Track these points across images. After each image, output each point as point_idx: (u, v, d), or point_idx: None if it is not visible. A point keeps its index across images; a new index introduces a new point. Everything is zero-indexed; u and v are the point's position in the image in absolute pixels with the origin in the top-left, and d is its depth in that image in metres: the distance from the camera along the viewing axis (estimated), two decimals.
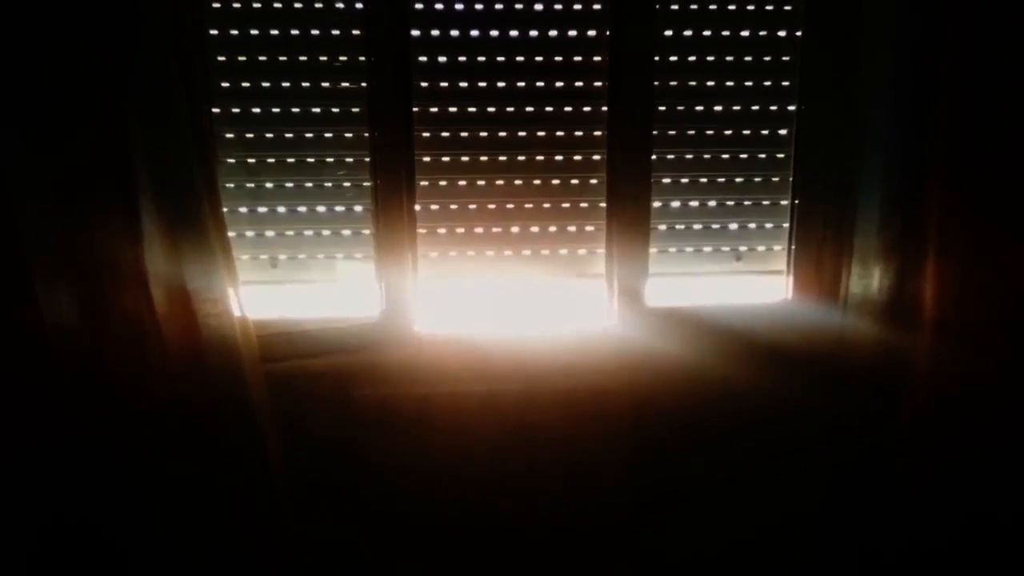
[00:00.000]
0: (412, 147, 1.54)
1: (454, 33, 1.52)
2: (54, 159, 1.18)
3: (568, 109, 1.57)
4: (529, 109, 1.56)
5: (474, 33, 1.52)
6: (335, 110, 1.52)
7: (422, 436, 1.52)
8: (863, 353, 1.52)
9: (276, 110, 1.51)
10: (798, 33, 1.57)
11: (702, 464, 1.66)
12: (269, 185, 1.54)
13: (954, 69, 1.33)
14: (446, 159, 1.57)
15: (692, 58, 1.57)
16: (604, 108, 1.57)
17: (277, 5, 1.47)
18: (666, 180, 1.61)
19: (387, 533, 1.57)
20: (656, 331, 1.63)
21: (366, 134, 1.53)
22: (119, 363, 1.25)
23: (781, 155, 1.62)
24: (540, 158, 1.58)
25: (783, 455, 1.67)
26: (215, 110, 1.48)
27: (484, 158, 1.57)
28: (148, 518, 1.32)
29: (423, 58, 1.52)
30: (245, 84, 1.49)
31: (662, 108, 1.58)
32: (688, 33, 1.56)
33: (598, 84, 1.56)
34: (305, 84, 1.50)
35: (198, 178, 1.28)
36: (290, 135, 1.52)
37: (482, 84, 1.54)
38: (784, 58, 1.58)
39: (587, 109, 1.57)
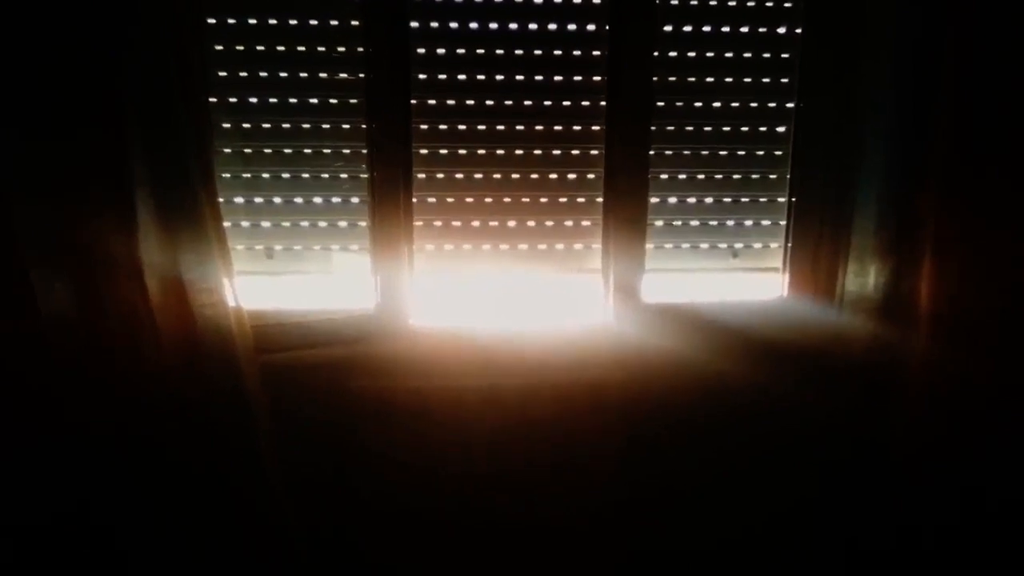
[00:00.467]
0: (410, 139, 1.54)
1: (453, 25, 1.51)
2: (49, 149, 1.17)
3: (567, 103, 1.56)
4: (527, 103, 1.56)
5: (473, 25, 1.51)
6: (333, 101, 1.51)
7: (416, 429, 1.52)
8: (858, 351, 1.53)
9: (273, 100, 1.50)
10: (798, 30, 1.57)
11: (696, 459, 1.67)
12: (265, 175, 1.54)
13: (954, 68, 1.33)
14: (443, 152, 1.56)
15: (691, 54, 1.57)
16: (603, 103, 1.57)
17: None
18: (664, 176, 1.61)
19: (381, 525, 1.57)
20: (652, 327, 1.63)
21: (363, 126, 1.52)
22: (114, 353, 1.25)
23: (779, 152, 1.62)
24: (538, 152, 1.58)
25: (777, 451, 1.67)
26: (212, 99, 1.47)
27: (482, 151, 1.57)
28: (142, 509, 1.32)
29: (422, 50, 1.51)
30: (242, 74, 1.49)
31: (661, 104, 1.57)
32: (688, 29, 1.56)
33: (597, 79, 1.56)
34: (303, 74, 1.49)
35: (194, 168, 1.27)
36: (287, 125, 1.51)
37: (480, 77, 1.54)
38: (783, 55, 1.58)
39: (586, 104, 1.57)
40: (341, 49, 1.49)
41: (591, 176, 1.60)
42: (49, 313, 1.18)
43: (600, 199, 1.61)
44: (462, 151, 1.57)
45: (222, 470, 1.36)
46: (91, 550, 1.30)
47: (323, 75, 1.50)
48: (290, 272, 1.57)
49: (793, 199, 1.63)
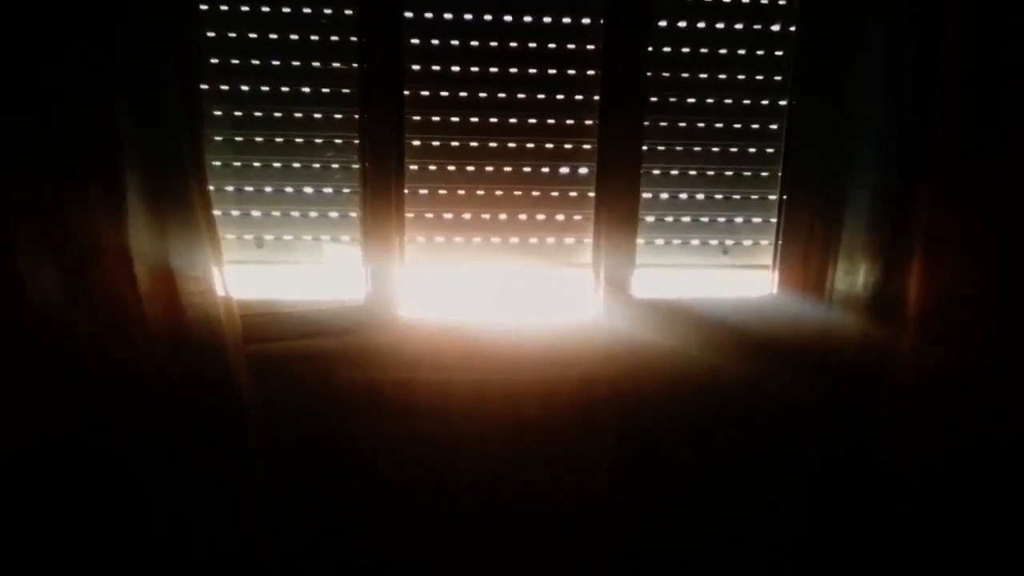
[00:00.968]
0: (402, 130, 1.53)
1: (447, 16, 1.50)
2: (40, 135, 1.16)
3: (560, 97, 1.56)
4: (521, 96, 1.55)
5: (468, 17, 1.51)
6: (325, 90, 1.50)
7: (405, 421, 1.52)
8: (847, 349, 1.54)
9: (265, 89, 1.49)
10: (792, 28, 1.57)
11: (686, 455, 1.68)
12: (256, 164, 1.53)
13: (954, 68, 1.33)
14: (436, 143, 1.56)
15: (686, 50, 1.57)
16: (596, 97, 1.56)
17: None
18: (656, 172, 1.61)
19: (369, 517, 1.57)
20: (642, 322, 1.63)
21: (356, 116, 1.52)
22: (101, 340, 1.24)
23: (771, 150, 1.62)
24: (530, 145, 1.58)
25: (767, 447, 1.68)
26: (203, 87, 1.45)
27: (474, 143, 1.56)
28: (128, 499, 1.31)
29: (415, 40, 1.51)
30: (235, 61, 1.48)
31: (654, 99, 1.57)
32: (682, 25, 1.55)
33: (591, 73, 1.55)
34: (296, 63, 1.48)
35: (185, 156, 1.27)
36: (279, 114, 1.50)
37: (474, 69, 1.53)
38: (777, 53, 1.58)
39: (579, 97, 1.56)
40: (334, 38, 1.48)
41: (583, 170, 1.60)
42: (37, 300, 1.17)
43: (592, 194, 1.61)
44: (455, 143, 1.56)
45: (210, 459, 1.35)
46: (76, 540, 1.30)
47: (316, 64, 1.49)
48: (280, 262, 1.57)
49: (784, 197, 1.63)
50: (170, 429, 1.31)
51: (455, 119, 1.55)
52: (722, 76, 1.58)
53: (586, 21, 1.53)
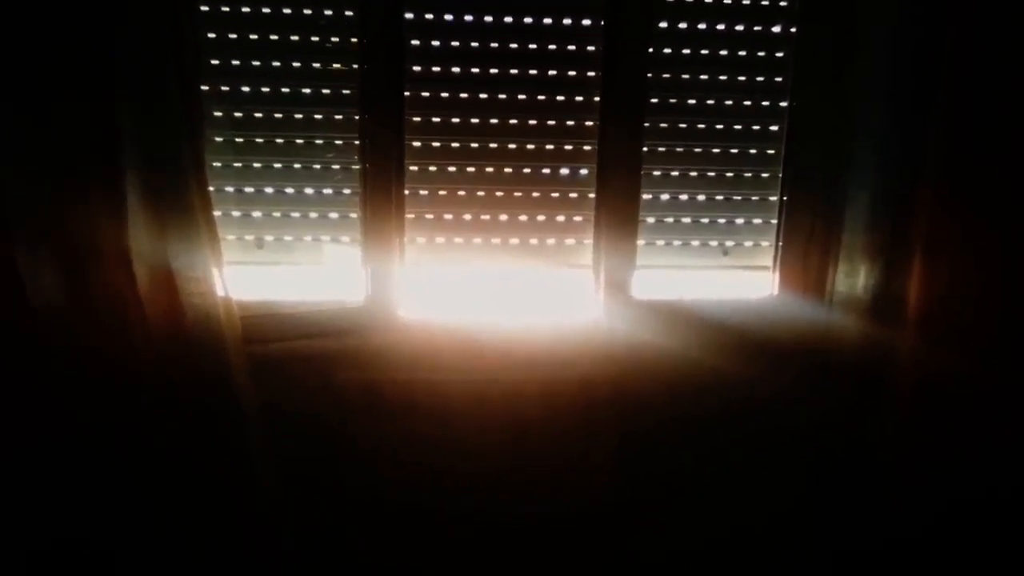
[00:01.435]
0: (403, 131, 1.53)
1: (448, 17, 1.50)
2: (40, 135, 1.16)
3: (560, 98, 1.56)
4: (521, 97, 1.55)
5: (468, 18, 1.51)
6: (326, 91, 1.50)
7: (405, 421, 1.52)
8: (847, 350, 1.54)
9: (266, 90, 1.49)
10: (792, 29, 1.57)
11: (686, 456, 1.67)
12: (257, 165, 1.53)
13: (955, 68, 1.33)
14: (436, 144, 1.56)
15: (686, 51, 1.57)
16: (596, 98, 1.57)
17: None
18: (656, 173, 1.61)
19: (369, 517, 1.57)
20: (642, 323, 1.63)
21: (357, 117, 1.52)
22: (101, 340, 1.24)
23: (772, 151, 1.62)
24: (531, 146, 1.58)
25: (767, 448, 1.68)
26: (204, 87, 1.45)
27: (475, 144, 1.57)
28: (128, 499, 1.31)
29: (416, 42, 1.51)
30: (235, 62, 1.48)
31: (654, 100, 1.57)
32: (683, 26, 1.55)
33: (591, 74, 1.55)
34: (296, 64, 1.48)
35: (185, 156, 1.26)
36: (279, 115, 1.51)
37: (475, 70, 1.53)
38: (778, 54, 1.58)
39: (579, 99, 1.56)
40: (335, 39, 1.48)
41: (584, 171, 1.60)
42: (37, 300, 1.17)
43: (592, 195, 1.61)
44: (455, 144, 1.56)
45: (209, 460, 1.35)
46: (75, 539, 1.29)
47: (316, 65, 1.49)
48: (280, 263, 1.57)
49: (785, 198, 1.63)
50: (170, 429, 1.31)
51: (455, 120, 1.55)
52: (722, 77, 1.58)
53: (586, 22, 1.54)
